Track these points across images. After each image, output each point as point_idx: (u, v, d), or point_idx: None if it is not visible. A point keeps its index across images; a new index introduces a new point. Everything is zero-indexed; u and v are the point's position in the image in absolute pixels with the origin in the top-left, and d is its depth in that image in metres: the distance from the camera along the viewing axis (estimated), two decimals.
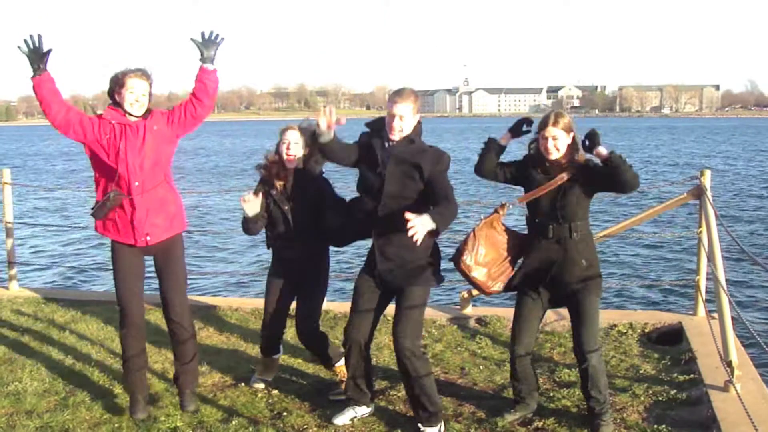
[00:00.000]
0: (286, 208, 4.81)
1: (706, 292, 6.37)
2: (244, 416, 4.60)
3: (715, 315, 5.37)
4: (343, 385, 4.83)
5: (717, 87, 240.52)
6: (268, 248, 5.06)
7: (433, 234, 3.96)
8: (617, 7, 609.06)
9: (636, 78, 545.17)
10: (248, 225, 4.86)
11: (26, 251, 15.34)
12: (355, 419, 4.53)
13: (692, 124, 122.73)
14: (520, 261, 4.44)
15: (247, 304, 7.20)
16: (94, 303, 7.20)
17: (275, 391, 5.03)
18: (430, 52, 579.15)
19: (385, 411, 4.67)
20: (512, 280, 4.42)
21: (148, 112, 4.34)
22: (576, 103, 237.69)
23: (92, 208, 4.36)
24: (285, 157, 4.80)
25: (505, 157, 4.51)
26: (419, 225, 3.74)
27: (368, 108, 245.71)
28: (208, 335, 6.29)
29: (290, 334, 6.20)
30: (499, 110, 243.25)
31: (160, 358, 5.59)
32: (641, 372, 5.31)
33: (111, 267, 4.52)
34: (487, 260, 4.33)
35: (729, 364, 4.83)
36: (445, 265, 4.43)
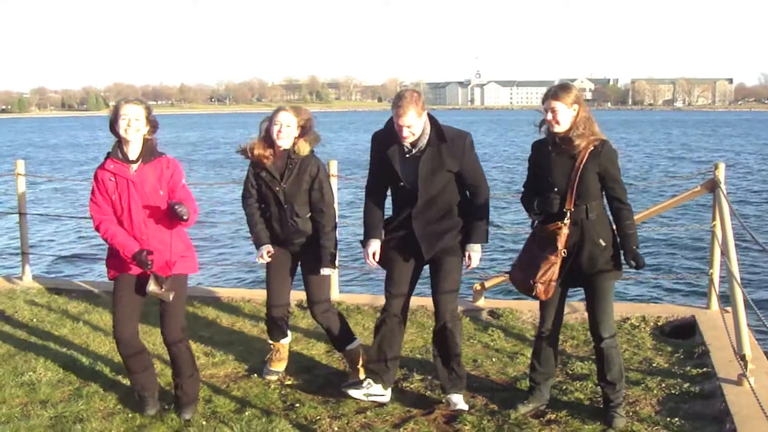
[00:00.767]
0: (278, 189, 4.77)
1: (720, 285, 6.34)
2: (257, 407, 4.62)
3: (729, 308, 5.36)
4: (359, 371, 4.90)
5: (730, 80, 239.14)
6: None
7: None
8: (630, 0, 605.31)
9: (649, 71, 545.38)
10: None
11: (40, 242, 15.44)
12: (369, 397, 4.48)
13: (704, 118, 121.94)
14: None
15: (260, 295, 7.18)
16: (107, 294, 7.21)
17: (288, 383, 5.05)
18: (442, 44, 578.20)
19: (398, 401, 4.65)
20: None
21: (152, 154, 4.28)
22: (588, 96, 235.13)
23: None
24: (276, 138, 4.70)
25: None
26: (475, 261, 4.40)
27: (380, 100, 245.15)
28: (221, 326, 6.32)
29: (303, 324, 6.24)
30: (511, 103, 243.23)
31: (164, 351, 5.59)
32: (654, 365, 5.30)
33: None
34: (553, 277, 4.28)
35: (742, 357, 4.82)
36: None
